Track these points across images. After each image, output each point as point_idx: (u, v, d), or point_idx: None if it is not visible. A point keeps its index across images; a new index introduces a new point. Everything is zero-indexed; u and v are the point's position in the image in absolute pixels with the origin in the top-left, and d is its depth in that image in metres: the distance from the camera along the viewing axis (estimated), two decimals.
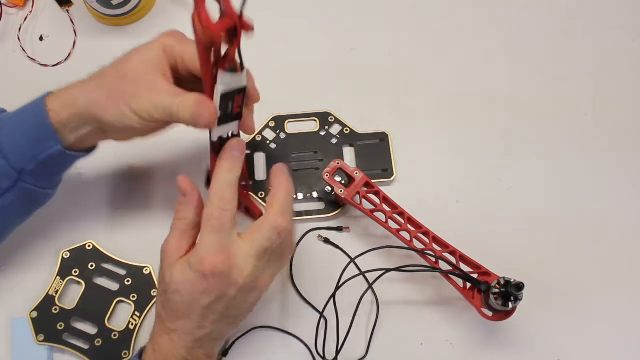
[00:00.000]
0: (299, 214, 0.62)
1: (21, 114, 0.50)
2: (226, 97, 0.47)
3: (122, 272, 0.58)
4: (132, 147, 0.64)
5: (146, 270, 0.59)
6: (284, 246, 0.49)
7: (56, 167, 0.52)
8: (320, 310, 0.57)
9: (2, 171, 0.49)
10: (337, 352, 0.56)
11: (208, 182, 0.51)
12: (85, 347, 0.56)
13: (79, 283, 0.58)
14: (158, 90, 0.48)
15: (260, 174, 0.64)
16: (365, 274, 0.56)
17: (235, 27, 0.42)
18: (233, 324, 0.49)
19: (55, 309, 0.57)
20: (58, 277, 0.58)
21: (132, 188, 0.63)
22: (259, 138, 0.64)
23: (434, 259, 0.56)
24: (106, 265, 0.59)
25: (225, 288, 0.45)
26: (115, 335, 0.56)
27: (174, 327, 0.46)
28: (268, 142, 0.64)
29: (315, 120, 0.66)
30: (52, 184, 0.54)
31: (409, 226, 0.57)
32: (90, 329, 0.57)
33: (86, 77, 0.51)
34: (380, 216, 0.58)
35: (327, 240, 0.61)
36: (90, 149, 0.54)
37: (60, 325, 0.56)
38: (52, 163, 0.51)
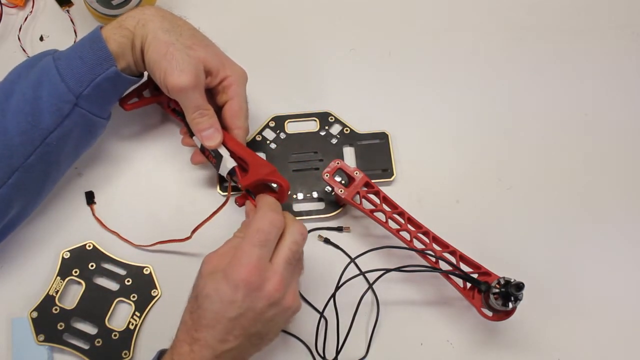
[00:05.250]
0: (299, 214, 0.62)
1: (78, 45, 0.54)
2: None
3: (122, 272, 0.58)
4: (132, 146, 0.64)
5: (146, 270, 0.59)
6: (301, 256, 0.50)
7: (109, 92, 0.55)
8: (320, 310, 0.57)
9: (62, 96, 0.52)
10: (337, 352, 0.56)
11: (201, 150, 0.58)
12: (85, 347, 0.56)
13: (79, 283, 0.58)
14: (198, 85, 0.53)
15: None
16: (365, 274, 0.56)
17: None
18: (255, 346, 0.49)
19: (56, 309, 0.57)
20: (58, 277, 0.58)
21: (132, 188, 0.63)
22: (259, 138, 0.64)
23: (434, 259, 0.55)
24: (106, 265, 0.59)
25: (255, 301, 0.46)
26: (115, 335, 0.56)
27: (198, 336, 0.46)
28: (268, 142, 0.64)
29: (315, 120, 0.66)
30: (104, 112, 0.57)
31: (409, 226, 0.57)
32: (90, 329, 0.57)
33: None
34: (380, 216, 0.58)
35: (327, 240, 0.61)
36: (138, 75, 0.57)
37: (61, 325, 0.56)
38: (106, 87, 0.54)
